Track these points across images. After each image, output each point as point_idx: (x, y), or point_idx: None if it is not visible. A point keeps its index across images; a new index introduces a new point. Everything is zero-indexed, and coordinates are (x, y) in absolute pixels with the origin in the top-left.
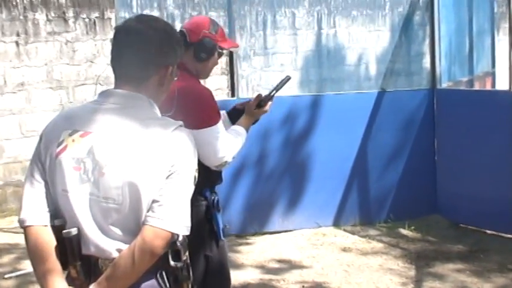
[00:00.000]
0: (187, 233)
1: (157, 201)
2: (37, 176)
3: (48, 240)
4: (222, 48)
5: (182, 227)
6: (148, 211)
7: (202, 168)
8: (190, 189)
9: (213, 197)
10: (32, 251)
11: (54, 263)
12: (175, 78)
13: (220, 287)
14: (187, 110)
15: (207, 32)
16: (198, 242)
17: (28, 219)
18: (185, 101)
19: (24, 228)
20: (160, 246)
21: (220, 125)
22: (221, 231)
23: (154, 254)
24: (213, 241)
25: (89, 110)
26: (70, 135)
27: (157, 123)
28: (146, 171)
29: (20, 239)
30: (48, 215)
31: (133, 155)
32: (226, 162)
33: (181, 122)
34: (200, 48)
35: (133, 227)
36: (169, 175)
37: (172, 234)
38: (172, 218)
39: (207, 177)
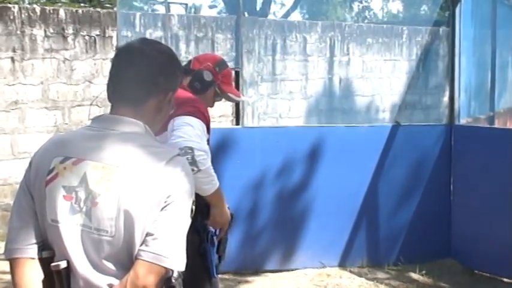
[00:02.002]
0: (183, 268)
1: (151, 235)
2: (25, 205)
3: (34, 274)
4: (220, 90)
5: (177, 262)
6: (141, 245)
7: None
8: (187, 222)
9: (207, 230)
10: (17, 285)
11: None
12: (172, 110)
13: None
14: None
15: (211, 66)
16: (188, 278)
17: (14, 251)
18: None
19: (10, 261)
20: (153, 282)
21: (201, 124)
22: (214, 268)
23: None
24: (206, 278)
25: (83, 136)
26: (61, 162)
27: (154, 152)
28: (141, 202)
29: (7, 267)
30: (35, 247)
31: (128, 184)
32: (187, 148)
33: (177, 151)
34: (197, 77)
35: (126, 261)
36: (164, 206)
37: (167, 269)
38: (167, 252)
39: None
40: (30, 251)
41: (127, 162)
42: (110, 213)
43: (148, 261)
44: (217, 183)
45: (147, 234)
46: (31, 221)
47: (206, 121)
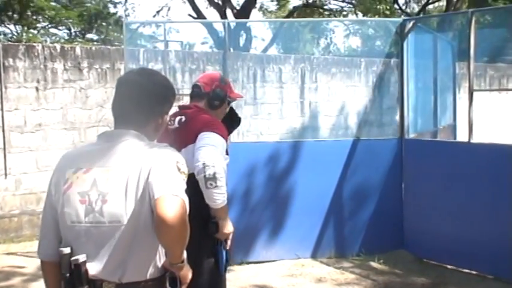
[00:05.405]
0: (186, 199)
1: (152, 189)
2: (49, 214)
3: (55, 274)
4: (230, 98)
5: (178, 191)
6: (151, 200)
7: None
8: (176, 173)
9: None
10: (46, 281)
11: None
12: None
13: None
14: (196, 121)
15: (219, 84)
16: (203, 273)
17: (43, 255)
18: (196, 119)
19: (42, 261)
20: (174, 210)
21: (224, 143)
22: (223, 267)
23: (172, 219)
24: (216, 272)
25: (90, 150)
26: (74, 173)
27: (146, 150)
28: (138, 187)
29: (31, 263)
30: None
31: (128, 179)
32: (212, 165)
33: (165, 145)
34: (213, 97)
35: (135, 244)
36: (148, 175)
37: (182, 200)
38: (167, 186)
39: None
40: (54, 255)
41: (126, 162)
42: (118, 205)
43: (159, 197)
44: (226, 200)
45: (150, 194)
46: (55, 228)
47: (225, 138)
